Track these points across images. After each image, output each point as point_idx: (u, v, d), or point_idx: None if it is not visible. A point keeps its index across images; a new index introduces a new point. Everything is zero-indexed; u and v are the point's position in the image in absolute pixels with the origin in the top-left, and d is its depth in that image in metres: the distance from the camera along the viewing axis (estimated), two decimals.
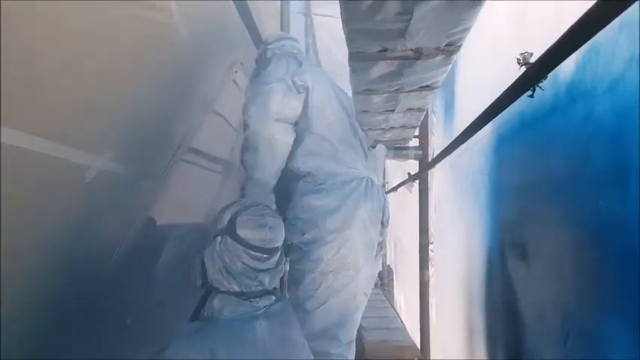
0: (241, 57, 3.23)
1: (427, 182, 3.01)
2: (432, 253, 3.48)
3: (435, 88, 1.77)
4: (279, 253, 1.32)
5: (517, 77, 0.96)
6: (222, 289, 1.25)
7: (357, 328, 2.22)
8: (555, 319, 1.57)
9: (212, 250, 1.29)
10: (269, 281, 1.29)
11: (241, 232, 1.25)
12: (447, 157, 2.07)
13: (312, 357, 1.36)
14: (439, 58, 1.43)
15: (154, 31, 2.04)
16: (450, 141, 1.78)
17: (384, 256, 5.39)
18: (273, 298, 1.31)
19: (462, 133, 1.56)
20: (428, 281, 3.00)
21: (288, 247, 1.57)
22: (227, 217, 1.32)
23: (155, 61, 2.11)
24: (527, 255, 1.86)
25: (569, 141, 1.52)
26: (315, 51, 5.47)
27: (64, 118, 1.58)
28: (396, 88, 1.74)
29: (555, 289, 1.59)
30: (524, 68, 1.02)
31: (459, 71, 3.12)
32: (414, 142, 3.10)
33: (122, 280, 2.40)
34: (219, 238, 1.29)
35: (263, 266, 1.26)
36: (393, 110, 2.04)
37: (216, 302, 1.26)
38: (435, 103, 3.71)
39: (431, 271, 3.14)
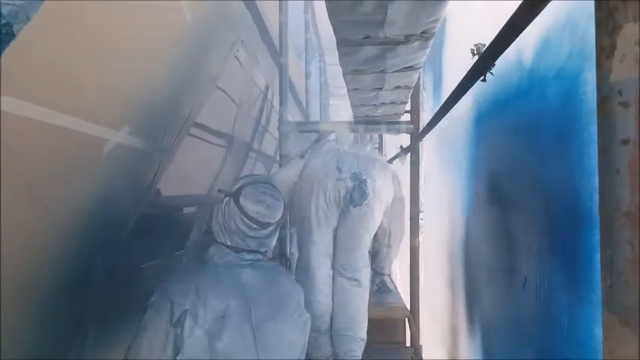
0: (242, 36, 3.40)
1: (418, 155, 3.21)
2: (422, 221, 3.70)
3: (417, 68, 1.95)
4: (270, 229, 1.47)
5: (471, 65, 1.15)
6: (218, 239, 1.45)
7: None
8: (515, 269, 1.81)
9: (219, 206, 1.48)
10: (256, 246, 1.46)
11: (242, 201, 1.43)
12: (435, 133, 2.27)
13: (303, 310, 1.52)
14: (417, 43, 1.62)
15: (163, 15, 2.22)
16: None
17: None
18: (261, 256, 1.48)
19: (435, 113, 1.76)
20: (418, 247, 3.22)
21: None
22: (239, 184, 1.49)
23: (164, 42, 2.30)
24: (497, 217, 2.09)
25: (528, 117, 1.73)
26: (315, 26, 5.59)
27: (87, 97, 1.79)
28: (381, 68, 1.93)
29: (515, 245, 1.83)
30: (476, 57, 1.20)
31: (446, 51, 3.29)
32: (407, 118, 3.30)
33: (134, 244, 2.63)
34: (227, 198, 1.46)
35: (252, 234, 1.43)
36: (382, 88, 2.22)
37: (211, 250, 1.46)
38: (425, 79, 3.89)
39: (420, 237, 3.36)
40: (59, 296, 1.91)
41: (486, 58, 1.05)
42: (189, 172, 3.49)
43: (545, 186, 1.54)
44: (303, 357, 1.51)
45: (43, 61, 1.50)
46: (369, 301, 3.19)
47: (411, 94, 2.57)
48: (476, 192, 2.51)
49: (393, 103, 2.65)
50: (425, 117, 3.68)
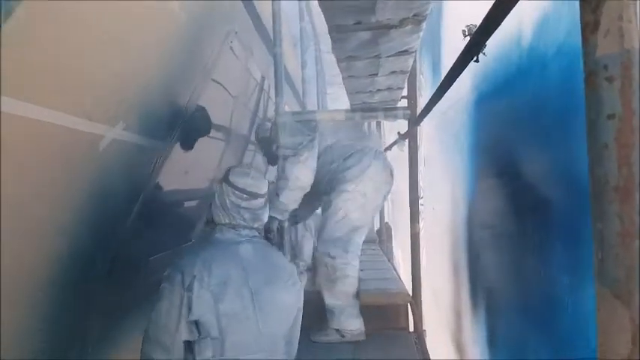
0: (236, 27, 3.37)
1: (416, 140, 3.20)
2: (422, 207, 3.71)
3: (412, 52, 1.94)
4: (260, 201, 1.74)
5: (464, 46, 1.14)
6: (218, 221, 1.72)
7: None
8: (519, 251, 1.81)
9: (214, 192, 1.76)
10: (250, 219, 1.72)
11: (231, 178, 1.73)
12: (434, 116, 2.27)
13: (296, 279, 1.78)
14: (409, 27, 1.61)
15: (155, 7, 2.20)
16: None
17: (382, 213, 5.62)
18: (256, 232, 1.76)
19: (432, 95, 1.74)
20: (418, 233, 3.23)
21: None
22: (225, 170, 1.81)
23: (157, 35, 2.28)
24: (500, 199, 2.08)
25: (530, 95, 1.72)
26: (310, 14, 5.56)
27: (80, 93, 1.78)
28: (375, 54, 1.92)
29: (519, 227, 1.83)
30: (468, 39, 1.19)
31: (444, 34, 3.26)
32: (404, 103, 3.28)
33: (135, 240, 2.64)
34: (218, 184, 1.76)
35: (244, 204, 1.70)
36: (377, 74, 2.21)
37: (213, 231, 1.74)
38: (423, 64, 3.86)
39: (421, 223, 3.37)
40: (59, 295, 1.92)
41: (477, 38, 1.04)
42: (190, 167, 3.48)
43: (549, 164, 1.53)
44: (299, 321, 1.77)
45: (35, 58, 1.48)
46: (370, 288, 3.22)
47: (407, 79, 2.56)
48: (478, 175, 2.50)
49: (389, 88, 2.64)
50: (423, 102, 3.67)
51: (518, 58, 1.80)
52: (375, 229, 5.62)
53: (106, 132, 1.98)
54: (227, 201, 1.70)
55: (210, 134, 3.70)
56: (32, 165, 1.59)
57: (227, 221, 1.70)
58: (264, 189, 1.75)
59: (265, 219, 1.79)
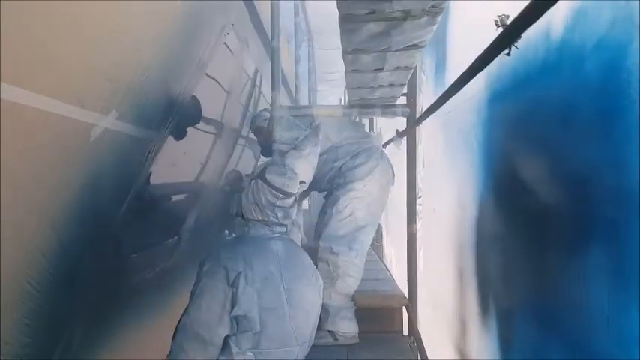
0: (233, 19, 3.27)
1: (415, 139, 3.13)
2: (420, 207, 3.64)
3: (421, 47, 1.87)
4: (292, 200, 1.78)
5: (494, 38, 1.07)
6: (250, 217, 1.75)
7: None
8: (545, 258, 1.72)
9: (248, 189, 1.77)
10: (281, 217, 1.75)
11: (268, 177, 1.74)
12: (439, 115, 2.19)
13: (319, 277, 1.83)
14: (425, 18, 1.53)
15: None
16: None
17: None
18: (285, 230, 1.79)
19: (446, 91, 1.67)
20: (415, 234, 3.16)
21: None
22: (261, 167, 1.82)
23: (154, 24, 2.18)
24: (522, 204, 1.98)
25: (558, 93, 1.61)
26: (304, 10, 5.48)
27: (73, 80, 1.67)
28: (384, 47, 1.84)
29: (546, 234, 1.73)
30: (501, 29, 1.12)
31: (451, 30, 3.17)
32: (402, 100, 3.21)
33: (124, 235, 2.54)
34: (253, 181, 1.76)
35: (279, 203, 1.73)
36: (382, 69, 2.14)
37: (245, 227, 1.77)
38: (424, 61, 3.78)
39: (419, 224, 3.30)
40: (46, 290, 1.82)
41: (514, 28, 0.96)
42: (177, 160, 3.39)
43: (583, 168, 1.44)
44: (318, 318, 1.82)
45: (26, 42, 1.38)
46: (365, 290, 3.15)
47: (410, 75, 2.49)
48: (492, 177, 2.40)
49: (391, 85, 2.57)
50: (423, 100, 3.60)
51: (544, 53, 1.69)
52: None
53: (98, 121, 1.87)
54: (262, 199, 1.72)
55: (201, 127, 3.62)
56: (18, 154, 1.49)
57: (260, 218, 1.74)
58: (297, 188, 1.80)
59: (294, 216, 1.83)
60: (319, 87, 8.89)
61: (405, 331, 3.23)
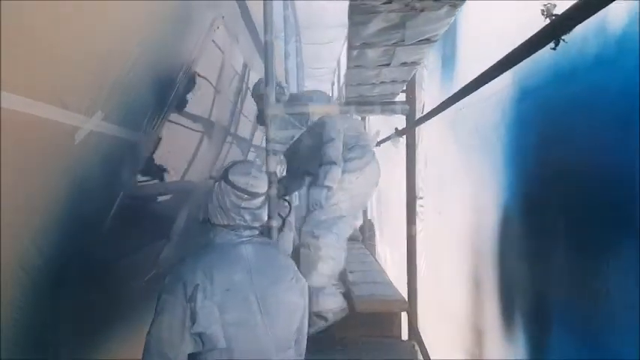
0: (223, 12, 3.12)
1: (415, 137, 3.01)
2: (422, 208, 3.52)
3: (434, 41, 1.75)
4: (259, 200, 1.63)
5: (540, 28, 0.94)
6: (216, 222, 1.60)
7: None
8: (589, 268, 1.58)
9: (211, 192, 1.62)
10: (250, 219, 1.61)
11: (231, 177, 1.60)
12: (447, 113, 2.05)
13: (299, 275, 1.68)
14: (444, 10, 1.41)
15: None
16: (450, 95, 1.76)
17: (365, 210, 5.46)
18: (257, 232, 1.65)
19: (465, 87, 1.55)
20: (415, 236, 3.05)
21: None
22: (225, 167, 1.67)
23: (140, 19, 2.02)
24: (557, 212, 1.83)
25: (617, 92, 1.48)
26: (293, 5, 5.33)
27: (55, 81, 1.52)
28: (394, 41, 1.71)
29: (591, 244, 1.60)
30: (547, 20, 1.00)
31: (462, 23, 3.01)
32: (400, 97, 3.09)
33: (114, 238, 2.39)
34: (217, 183, 1.62)
35: (244, 205, 1.59)
36: (388, 64, 2.02)
37: (211, 233, 1.62)
38: (427, 57, 3.63)
39: (419, 225, 3.18)
40: (31, 301, 1.67)
41: (567, 19, 0.84)
42: (164, 159, 3.23)
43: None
44: (307, 318, 1.70)
45: (6, 41, 1.23)
46: (363, 294, 3.04)
47: (415, 72, 2.37)
48: (523, 181, 2.22)
49: (393, 81, 2.45)
50: (425, 97, 3.47)
51: (597, 47, 1.55)
52: (358, 225, 5.45)
53: (83, 123, 1.72)
54: (226, 201, 1.59)
55: (189, 125, 3.47)
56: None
57: (226, 222, 1.60)
58: (265, 187, 1.67)
59: (265, 218, 1.70)
60: (306, 82, 8.75)
61: (404, 336, 3.13)
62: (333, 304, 2.90)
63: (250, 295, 1.51)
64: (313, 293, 2.77)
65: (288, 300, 1.61)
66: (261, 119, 3.32)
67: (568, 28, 0.88)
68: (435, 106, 2.24)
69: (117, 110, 1.95)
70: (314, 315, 2.80)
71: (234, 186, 1.59)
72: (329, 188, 2.85)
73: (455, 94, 1.64)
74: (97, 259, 2.23)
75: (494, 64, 1.22)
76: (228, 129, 5.01)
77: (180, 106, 3.01)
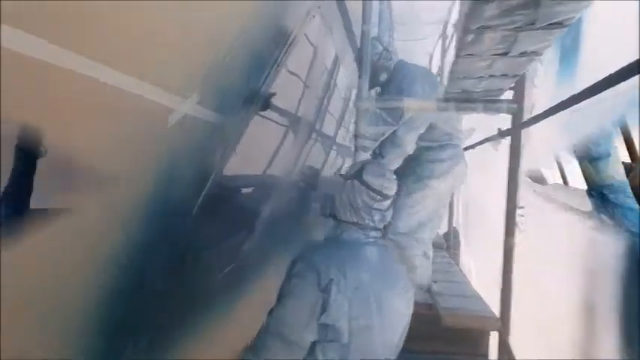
0: (319, 2, 3.01)
1: (520, 140, 2.73)
2: (522, 218, 3.21)
3: (566, 25, 1.51)
4: (389, 202, 1.66)
5: None
6: (344, 219, 1.64)
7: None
8: None
9: (342, 189, 1.66)
10: (378, 220, 1.64)
11: (365, 177, 1.63)
12: (564, 113, 1.80)
13: (409, 285, 1.69)
14: None
15: None
16: (572, 94, 1.52)
17: (451, 217, 5.18)
18: (380, 234, 1.68)
19: (604, 79, 1.31)
20: (512, 249, 2.77)
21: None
22: (358, 166, 1.70)
23: (239, 5, 1.95)
24: None
25: None
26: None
27: (155, 60, 1.47)
28: (519, 24, 1.49)
29: None
30: None
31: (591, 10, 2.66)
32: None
33: (199, 227, 2.35)
34: (349, 181, 1.66)
35: (376, 205, 1.63)
36: (506, 53, 1.79)
37: (339, 229, 1.66)
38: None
39: (518, 237, 2.89)
40: (120, 287, 1.63)
41: None
42: (247, 151, 3.17)
43: None
44: (406, 330, 1.69)
45: (105, 16, 1.18)
46: (451, 307, 2.82)
47: (531, 64, 2.11)
48: None
49: (504, 75, 2.19)
50: (536, 94, 3.14)
51: None
52: (442, 232, 5.18)
53: (178, 104, 1.66)
54: (359, 200, 1.63)
55: (273, 117, 3.41)
56: (85, 132, 1.28)
57: (355, 220, 1.63)
58: (394, 189, 1.69)
59: (389, 219, 1.72)
60: None
61: (491, 356, 2.86)
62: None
63: (371, 297, 1.54)
64: None
65: (398, 307, 1.63)
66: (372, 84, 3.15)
67: None
68: (550, 106, 1.98)
69: (210, 95, 1.89)
70: None
71: (368, 186, 1.63)
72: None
73: (580, 92, 1.40)
74: (183, 248, 2.19)
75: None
76: (313, 125, 4.94)
77: (268, 98, 2.95)
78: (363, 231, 1.64)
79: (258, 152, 3.71)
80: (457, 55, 1.92)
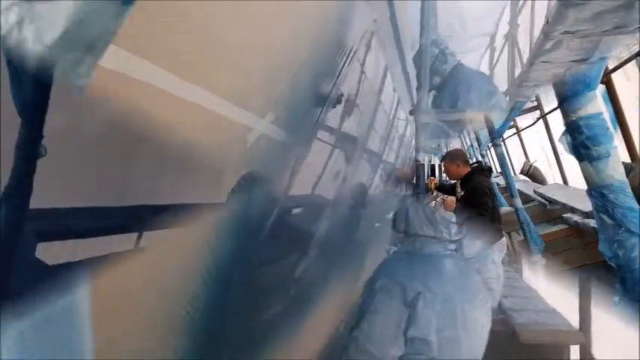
0: (376, 17, 3.03)
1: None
2: None
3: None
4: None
5: None
6: (421, 233, 1.66)
7: None
8: None
9: (417, 206, 1.72)
10: (453, 233, 1.68)
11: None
12: None
13: (487, 296, 1.68)
14: None
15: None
16: None
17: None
18: (457, 246, 1.70)
19: None
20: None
21: None
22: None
23: (309, 22, 1.98)
24: None
25: None
26: (435, 14, 5.12)
27: (235, 80, 1.50)
28: (607, 27, 1.45)
29: None
30: None
31: None
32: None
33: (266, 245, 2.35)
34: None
35: (453, 219, 1.78)
36: (585, 59, 1.74)
37: (417, 242, 1.67)
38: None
39: None
40: (205, 299, 1.64)
41: None
42: (310, 170, 3.17)
43: None
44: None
45: (190, 33, 1.22)
46: (527, 322, 2.72)
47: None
48: None
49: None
50: None
51: None
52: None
53: (255, 124, 1.69)
54: (437, 216, 1.68)
55: (320, 136, 3.40)
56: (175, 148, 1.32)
57: (433, 234, 1.66)
58: None
59: (465, 232, 1.78)
60: None
61: None
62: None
63: (456, 309, 1.51)
64: None
65: (479, 319, 1.59)
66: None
67: None
68: None
69: (284, 113, 1.91)
70: None
71: None
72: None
73: None
74: (255, 265, 2.20)
75: None
76: (363, 143, 4.92)
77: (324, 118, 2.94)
78: (441, 244, 1.66)
79: (305, 171, 3.70)
80: (532, 63, 1.89)
